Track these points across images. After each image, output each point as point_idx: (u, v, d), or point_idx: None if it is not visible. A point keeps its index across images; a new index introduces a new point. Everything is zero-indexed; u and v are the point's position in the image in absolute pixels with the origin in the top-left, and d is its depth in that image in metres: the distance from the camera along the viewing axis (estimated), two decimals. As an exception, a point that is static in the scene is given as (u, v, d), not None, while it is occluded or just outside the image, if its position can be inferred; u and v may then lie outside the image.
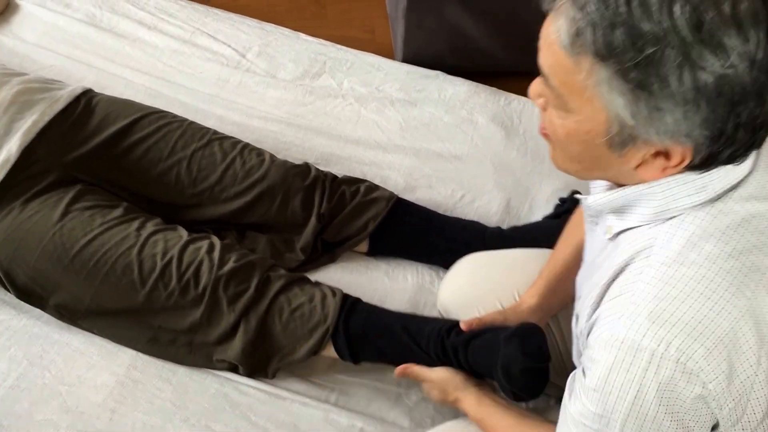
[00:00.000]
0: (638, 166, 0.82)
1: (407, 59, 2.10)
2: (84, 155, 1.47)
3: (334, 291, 1.41)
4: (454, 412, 1.41)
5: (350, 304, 1.39)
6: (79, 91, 1.51)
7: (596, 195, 0.93)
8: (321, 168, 1.62)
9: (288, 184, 1.54)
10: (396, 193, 1.61)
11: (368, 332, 1.36)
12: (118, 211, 1.43)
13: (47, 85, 1.50)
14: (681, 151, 0.78)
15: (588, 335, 0.91)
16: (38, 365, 1.39)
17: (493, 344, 1.25)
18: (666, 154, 0.79)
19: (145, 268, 1.36)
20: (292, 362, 1.38)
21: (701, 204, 0.83)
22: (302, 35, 1.99)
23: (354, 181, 1.61)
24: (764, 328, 0.81)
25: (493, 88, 1.93)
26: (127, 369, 1.39)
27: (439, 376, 1.28)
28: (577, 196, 1.01)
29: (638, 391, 0.80)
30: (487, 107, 1.87)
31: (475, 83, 1.93)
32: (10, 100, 1.42)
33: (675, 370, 0.79)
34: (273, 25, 2.00)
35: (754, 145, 0.78)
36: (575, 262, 1.24)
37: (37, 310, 1.43)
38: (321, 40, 1.98)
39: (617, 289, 0.86)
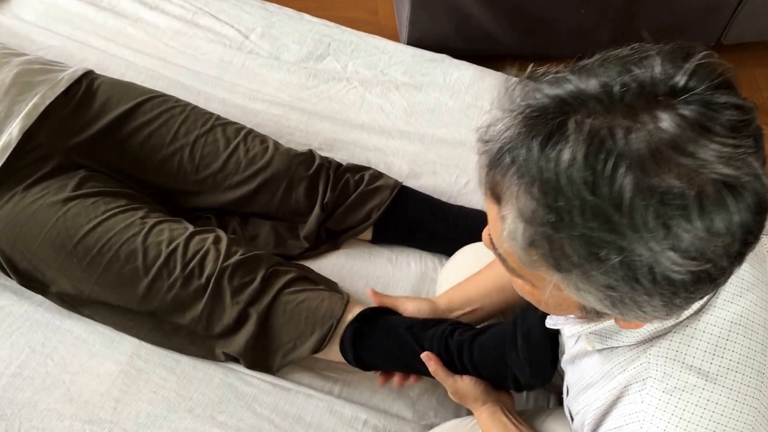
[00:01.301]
0: (616, 321, 0.78)
1: (411, 41, 2.09)
2: (86, 140, 1.46)
3: (341, 293, 1.42)
4: (455, 405, 1.44)
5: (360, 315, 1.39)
6: (80, 72, 1.50)
7: (572, 327, 0.88)
8: (325, 154, 1.62)
9: (292, 172, 1.54)
10: (400, 179, 1.61)
11: (372, 331, 1.36)
12: (122, 199, 1.42)
13: (48, 67, 1.49)
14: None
15: None
16: (41, 353, 1.39)
17: (501, 336, 1.25)
18: None
19: (150, 255, 1.36)
20: (295, 360, 1.38)
21: (686, 320, 0.80)
22: (306, 16, 1.97)
23: (358, 169, 1.61)
24: None
25: (499, 73, 1.93)
26: (130, 358, 1.39)
27: (462, 384, 1.28)
28: (548, 322, 0.93)
29: None
30: (493, 92, 1.87)
31: (480, 67, 1.92)
32: (10, 81, 1.40)
33: None
34: (276, 5, 1.98)
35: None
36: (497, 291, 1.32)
37: (39, 297, 1.43)
38: (326, 21, 1.96)
39: (619, 417, 0.84)
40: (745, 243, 0.66)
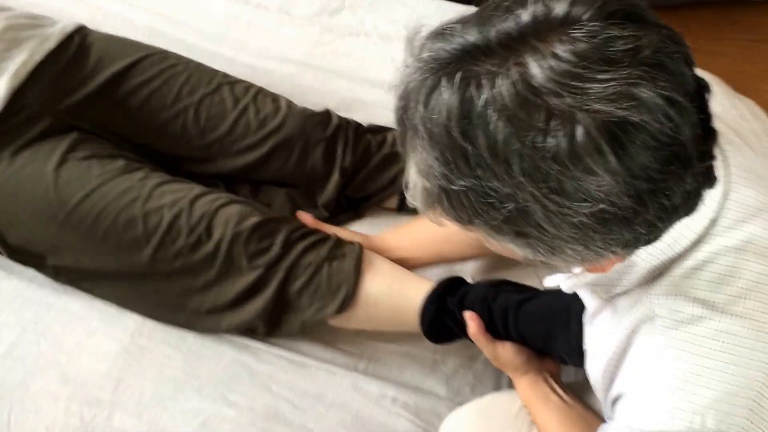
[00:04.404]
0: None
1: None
2: (80, 101, 1.41)
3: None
4: (495, 381, 1.38)
5: None
6: (71, 28, 1.44)
7: (567, 281, 0.89)
8: (343, 115, 1.55)
9: (307, 134, 1.47)
10: (426, 142, 1.54)
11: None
12: (119, 162, 1.37)
13: (36, 21, 1.44)
14: (609, 260, 0.74)
15: (612, 404, 0.89)
16: (32, 332, 1.34)
17: (550, 309, 1.19)
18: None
19: (151, 222, 1.29)
20: (317, 322, 1.31)
21: (685, 252, 0.79)
22: (318, -37, 1.90)
23: (380, 130, 1.54)
24: None
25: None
26: (132, 335, 1.35)
27: (503, 352, 1.23)
28: (547, 282, 0.95)
29: None
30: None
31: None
32: (-5, 37, 1.36)
33: None
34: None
35: (697, 198, 0.71)
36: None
37: (30, 272, 1.39)
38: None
39: (631, 363, 0.85)
40: (652, 180, 0.65)
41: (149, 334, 1.35)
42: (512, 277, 1.31)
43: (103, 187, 1.32)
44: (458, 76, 0.66)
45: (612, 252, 0.70)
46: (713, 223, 0.79)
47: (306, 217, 1.42)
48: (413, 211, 1.53)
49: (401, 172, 1.47)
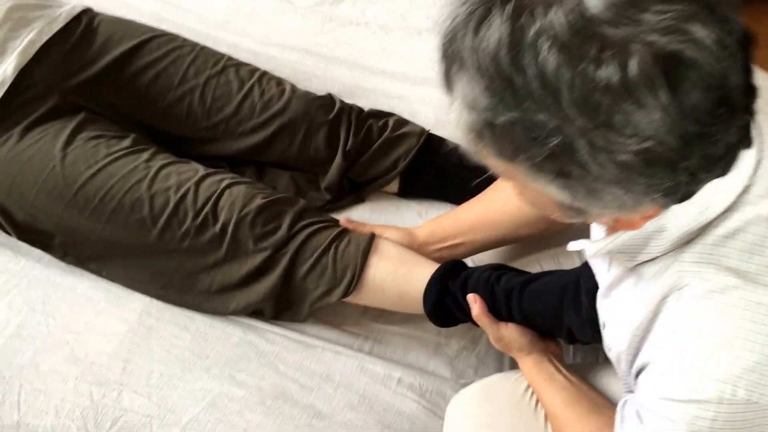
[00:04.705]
0: (612, 221, 0.78)
1: (434, -17, 2.04)
2: (86, 80, 1.41)
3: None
4: (498, 363, 1.40)
5: None
6: (79, 9, 1.45)
7: (593, 245, 0.88)
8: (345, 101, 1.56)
9: (311, 117, 1.48)
10: (427, 128, 1.55)
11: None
12: (125, 142, 1.37)
13: (44, 2, 1.45)
14: (643, 212, 0.73)
15: (636, 376, 0.89)
16: (41, 312, 1.34)
17: (558, 288, 1.20)
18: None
19: (157, 203, 1.30)
20: (324, 305, 1.33)
21: (716, 219, 0.78)
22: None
23: (382, 115, 1.56)
24: None
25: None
26: (140, 315, 1.35)
27: (506, 333, 1.24)
28: (571, 246, 0.94)
29: None
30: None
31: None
32: (2, 17, 1.36)
33: (747, 411, 0.76)
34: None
35: (735, 156, 0.69)
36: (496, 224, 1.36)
37: (37, 252, 1.39)
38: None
39: (660, 331, 0.83)
40: (701, 123, 0.64)
41: (157, 314, 1.35)
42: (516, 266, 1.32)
43: (109, 167, 1.32)
44: (510, 5, 0.65)
45: (651, 200, 0.69)
46: (746, 190, 0.78)
47: (342, 220, 1.41)
48: (414, 196, 1.56)
49: (403, 156, 1.51)
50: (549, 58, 0.63)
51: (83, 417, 1.25)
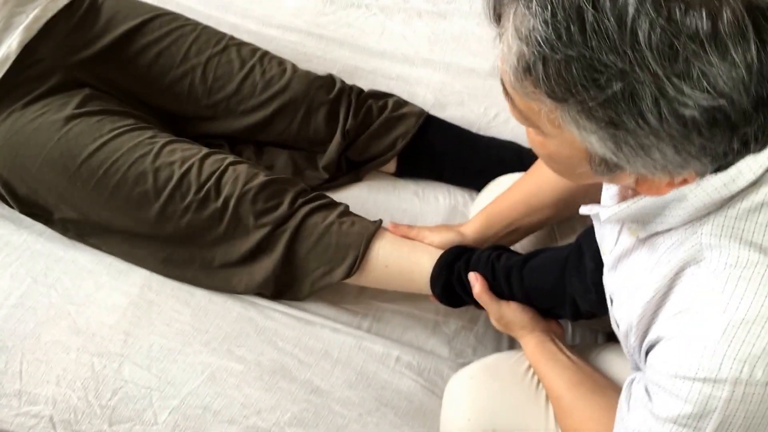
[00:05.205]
0: (636, 184, 0.74)
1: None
2: (90, 57, 1.44)
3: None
4: (496, 343, 1.42)
5: None
6: (84, -14, 1.48)
7: (608, 209, 0.85)
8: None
9: (311, 97, 1.51)
10: (425, 109, 1.59)
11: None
12: (129, 119, 1.40)
13: (48, -21, 1.46)
14: (682, 176, 0.69)
15: (647, 353, 0.86)
16: (43, 283, 1.36)
17: (559, 260, 1.20)
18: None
19: (161, 177, 1.32)
20: (325, 286, 1.35)
21: (740, 192, 0.76)
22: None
23: (381, 96, 1.59)
24: None
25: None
26: (141, 289, 1.37)
27: (508, 311, 1.25)
28: (583, 209, 0.92)
29: (721, 422, 0.75)
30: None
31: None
32: (7, -7, 1.38)
33: (764, 394, 0.73)
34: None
35: None
36: (537, 200, 1.30)
37: (39, 226, 1.41)
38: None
39: (675, 306, 0.80)
40: None
41: (157, 288, 1.38)
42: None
43: (114, 142, 1.34)
44: None
45: (699, 164, 0.66)
46: None
47: (390, 226, 1.40)
48: (411, 176, 1.58)
49: (401, 136, 1.53)
50: None
51: (84, 387, 1.27)
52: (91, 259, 1.39)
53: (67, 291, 1.36)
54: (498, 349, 1.41)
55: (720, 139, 0.63)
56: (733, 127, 0.62)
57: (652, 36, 0.58)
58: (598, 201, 0.98)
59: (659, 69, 0.59)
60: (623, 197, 0.88)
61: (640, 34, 0.59)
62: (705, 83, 0.59)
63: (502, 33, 0.67)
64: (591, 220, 1.02)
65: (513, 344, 1.38)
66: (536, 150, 0.79)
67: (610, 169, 0.71)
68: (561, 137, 0.70)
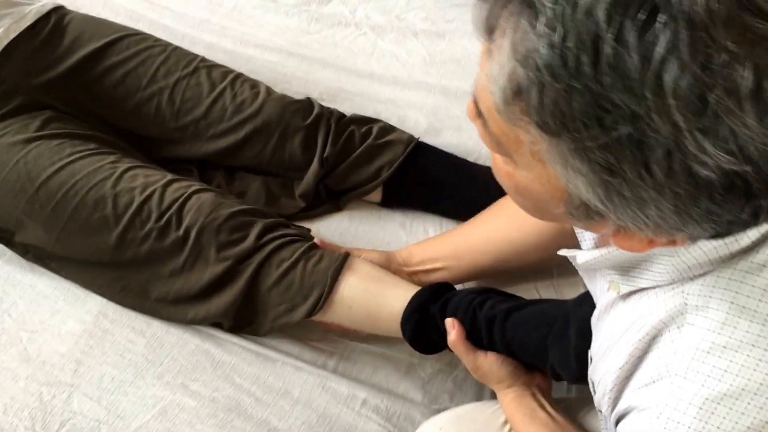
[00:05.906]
0: (614, 235, 0.68)
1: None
2: (54, 79, 1.50)
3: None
4: (476, 390, 1.40)
5: None
6: (49, 7, 1.55)
7: (585, 253, 0.82)
8: (326, 104, 1.61)
9: (286, 121, 1.54)
10: (417, 135, 1.59)
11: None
12: (91, 143, 1.45)
13: (14, 0, 1.52)
14: (672, 237, 0.64)
15: (617, 422, 0.82)
16: (-3, 308, 1.43)
17: (545, 319, 1.18)
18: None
19: (121, 202, 1.37)
20: (287, 324, 1.36)
21: (739, 252, 0.70)
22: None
23: (365, 121, 1.60)
24: None
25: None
26: (96, 317, 1.41)
27: (485, 363, 1.22)
28: (562, 252, 0.87)
29: None
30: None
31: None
32: (-29, 15, 1.43)
33: None
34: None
35: None
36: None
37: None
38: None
39: (648, 374, 0.76)
40: None
41: (113, 317, 1.41)
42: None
43: (74, 165, 1.39)
44: None
45: (699, 228, 0.61)
46: None
47: (316, 240, 1.42)
48: (399, 206, 1.55)
49: (386, 165, 1.53)
50: (664, 34, 0.53)
51: (31, 417, 1.32)
52: (49, 284, 1.45)
53: (21, 316, 1.42)
54: (479, 396, 1.40)
55: (731, 207, 0.58)
56: (749, 196, 0.58)
57: (680, 82, 0.53)
58: (549, 254, 0.97)
59: (681, 120, 0.54)
60: (604, 242, 0.84)
61: (667, 78, 0.54)
62: (733, 145, 0.54)
63: (492, 49, 0.62)
64: None
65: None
66: (500, 180, 0.74)
67: (589, 215, 0.66)
68: (537, 172, 0.65)
